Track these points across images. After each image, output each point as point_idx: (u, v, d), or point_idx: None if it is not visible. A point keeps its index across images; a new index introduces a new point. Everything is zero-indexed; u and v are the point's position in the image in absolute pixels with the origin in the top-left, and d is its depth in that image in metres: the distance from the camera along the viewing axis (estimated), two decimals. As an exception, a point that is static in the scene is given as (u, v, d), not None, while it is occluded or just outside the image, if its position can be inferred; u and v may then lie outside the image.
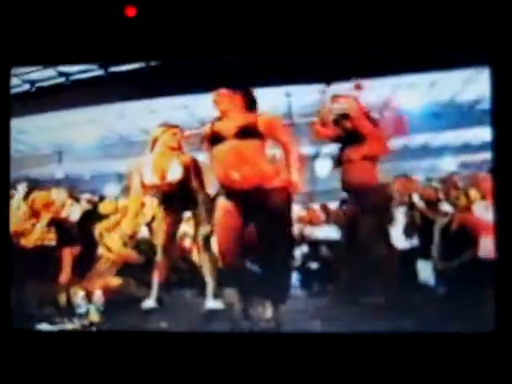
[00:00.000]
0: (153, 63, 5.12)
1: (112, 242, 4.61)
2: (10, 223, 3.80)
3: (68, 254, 4.38)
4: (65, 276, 4.33)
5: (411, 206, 4.46)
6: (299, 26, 3.66)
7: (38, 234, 4.35)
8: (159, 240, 4.25)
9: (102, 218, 4.79)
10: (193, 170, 4.08)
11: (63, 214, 4.72)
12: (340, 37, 3.65)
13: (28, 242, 4.30)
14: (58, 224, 4.47)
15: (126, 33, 3.66)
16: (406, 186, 4.53)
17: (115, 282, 4.46)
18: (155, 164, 4.16)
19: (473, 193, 4.21)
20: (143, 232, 4.96)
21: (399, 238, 4.43)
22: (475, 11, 3.46)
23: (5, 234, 3.82)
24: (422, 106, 5.04)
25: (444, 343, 3.41)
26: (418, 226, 4.38)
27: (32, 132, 6.47)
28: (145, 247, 4.67)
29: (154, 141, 4.21)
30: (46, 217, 4.44)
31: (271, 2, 3.64)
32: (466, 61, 4.03)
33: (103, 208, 4.80)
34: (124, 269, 4.56)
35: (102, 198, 5.07)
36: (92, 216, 4.91)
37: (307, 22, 3.64)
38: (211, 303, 4.04)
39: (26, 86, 5.81)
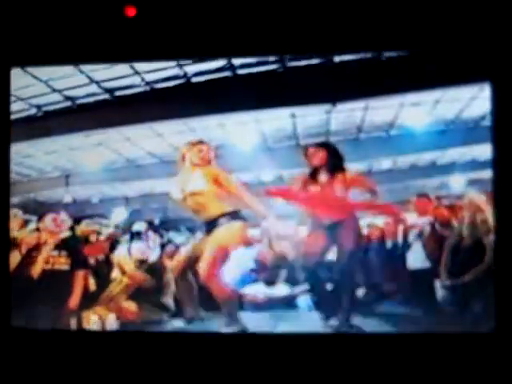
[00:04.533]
0: (159, 86, 5.18)
1: (126, 265, 4.61)
2: (9, 223, 3.75)
3: (80, 278, 4.36)
4: (76, 300, 4.30)
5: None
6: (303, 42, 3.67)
7: (46, 259, 4.33)
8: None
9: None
10: (218, 183, 4.04)
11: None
12: (344, 55, 3.66)
13: (37, 267, 4.28)
14: (68, 248, 4.45)
15: (126, 33, 3.66)
16: (426, 205, 4.53)
17: (128, 305, 4.45)
18: (180, 181, 4.15)
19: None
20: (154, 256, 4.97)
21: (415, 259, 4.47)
22: (477, 28, 3.47)
23: (4, 233, 3.79)
24: (428, 124, 5.08)
25: (444, 343, 3.38)
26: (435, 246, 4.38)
27: (38, 156, 6.50)
28: (156, 271, 4.68)
29: (182, 158, 4.20)
30: (51, 241, 4.43)
31: (271, 4, 3.64)
32: (467, 78, 4.05)
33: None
34: (137, 292, 4.55)
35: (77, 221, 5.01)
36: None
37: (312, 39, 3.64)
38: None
39: (33, 111, 5.84)
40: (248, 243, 4.10)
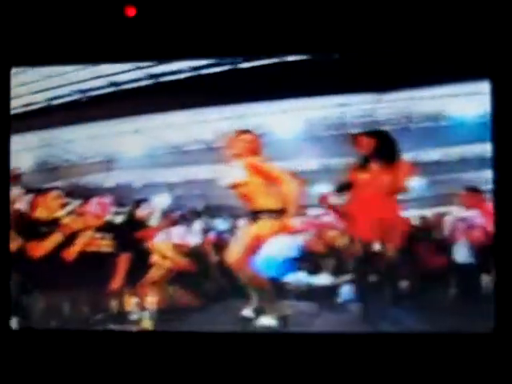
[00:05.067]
0: (204, 72, 5.16)
1: (166, 250, 4.62)
2: (9, 222, 3.77)
3: (124, 261, 4.39)
4: (118, 282, 4.33)
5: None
6: (347, 30, 3.63)
7: (89, 241, 4.35)
8: None
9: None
10: (260, 173, 4.02)
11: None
12: (390, 43, 3.61)
13: (76, 249, 4.30)
14: (113, 230, 4.47)
15: (126, 33, 3.65)
16: (474, 199, 4.46)
17: (169, 290, 4.46)
18: (224, 171, 4.16)
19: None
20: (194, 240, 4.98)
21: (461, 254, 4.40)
22: (476, 26, 3.44)
23: (4, 233, 3.80)
24: (480, 115, 4.96)
25: (444, 343, 3.41)
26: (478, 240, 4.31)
27: (80, 141, 6.54)
28: (197, 256, 4.68)
29: (227, 147, 4.19)
30: (95, 224, 4.46)
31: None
32: (466, 75, 3.97)
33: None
34: (178, 277, 4.55)
35: (138, 204, 5.03)
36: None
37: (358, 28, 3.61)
38: (264, 320, 3.99)
39: (77, 96, 5.86)
40: (288, 232, 4.05)
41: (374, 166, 4.14)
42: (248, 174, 3.98)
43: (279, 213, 3.91)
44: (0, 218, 3.76)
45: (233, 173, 4.05)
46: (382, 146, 4.14)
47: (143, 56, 4.02)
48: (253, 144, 4.11)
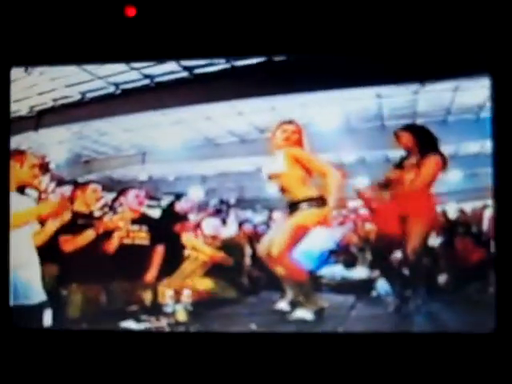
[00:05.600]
0: (239, 64, 5.15)
1: (199, 243, 4.63)
2: (9, 221, 3.77)
3: (159, 253, 4.40)
4: (153, 274, 4.34)
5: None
6: (387, 24, 3.59)
7: (125, 233, 4.37)
8: None
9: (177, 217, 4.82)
10: (300, 163, 3.99)
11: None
12: (429, 34, 3.56)
13: (113, 243, 4.31)
14: (148, 223, 4.49)
15: (126, 33, 3.65)
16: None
17: (203, 282, 4.46)
18: (268, 162, 4.15)
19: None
20: (229, 232, 4.98)
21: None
22: (476, 20, 3.37)
23: (4, 232, 3.81)
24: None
25: (444, 343, 3.36)
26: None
27: (115, 133, 6.59)
28: (231, 248, 4.68)
29: (271, 138, 4.18)
30: (131, 216, 4.47)
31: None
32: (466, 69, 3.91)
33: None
34: (213, 270, 4.55)
35: (178, 197, 5.06)
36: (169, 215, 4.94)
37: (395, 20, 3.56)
38: (300, 313, 3.97)
39: (112, 88, 5.89)
40: (329, 224, 4.02)
41: (412, 161, 4.12)
42: (289, 165, 3.96)
43: (318, 201, 3.87)
44: (0, 218, 3.76)
45: (273, 164, 4.03)
46: (421, 141, 4.11)
47: (143, 56, 4.02)
48: (295, 135, 4.08)
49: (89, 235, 4.14)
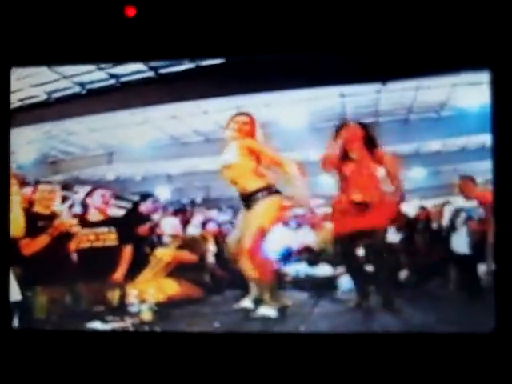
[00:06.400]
0: (204, 64, 5.16)
1: (167, 243, 4.65)
2: (9, 222, 3.75)
3: (127, 253, 4.39)
4: (120, 274, 4.33)
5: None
6: (351, 23, 3.60)
7: (90, 235, 4.35)
8: None
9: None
10: (253, 154, 3.96)
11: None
12: (392, 34, 3.58)
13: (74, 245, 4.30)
14: (115, 223, 4.48)
15: (126, 33, 3.64)
16: (470, 188, 4.44)
17: (167, 282, 4.46)
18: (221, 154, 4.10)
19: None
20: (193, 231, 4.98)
21: (460, 244, 4.39)
22: (477, 17, 3.40)
23: (4, 233, 3.78)
24: (481, 105, 4.94)
25: (444, 343, 3.33)
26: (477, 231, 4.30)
27: (82, 133, 6.55)
28: (195, 247, 4.68)
29: (225, 130, 4.13)
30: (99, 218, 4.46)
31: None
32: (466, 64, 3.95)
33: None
34: (177, 270, 4.55)
35: (143, 198, 5.05)
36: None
37: (360, 19, 3.58)
38: (264, 310, 3.97)
39: (77, 88, 5.87)
40: (288, 222, 4.04)
41: (359, 154, 4.15)
42: (241, 156, 3.93)
43: (269, 190, 3.86)
44: (0, 218, 3.73)
45: (226, 155, 4.00)
46: (367, 135, 4.15)
47: (143, 56, 4.00)
48: (246, 126, 4.05)
49: (43, 240, 4.09)
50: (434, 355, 3.32)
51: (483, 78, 4.65)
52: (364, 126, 4.24)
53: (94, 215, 4.47)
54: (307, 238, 4.96)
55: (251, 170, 3.87)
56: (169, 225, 4.84)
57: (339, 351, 3.46)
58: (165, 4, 3.58)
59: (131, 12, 3.57)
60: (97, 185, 5.25)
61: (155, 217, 4.96)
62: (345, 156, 4.17)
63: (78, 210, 4.69)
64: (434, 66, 4.20)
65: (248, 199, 3.85)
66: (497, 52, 3.36)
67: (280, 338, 3.63)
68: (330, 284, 4.54)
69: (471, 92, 4.97)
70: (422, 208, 4.88)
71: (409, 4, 3.46)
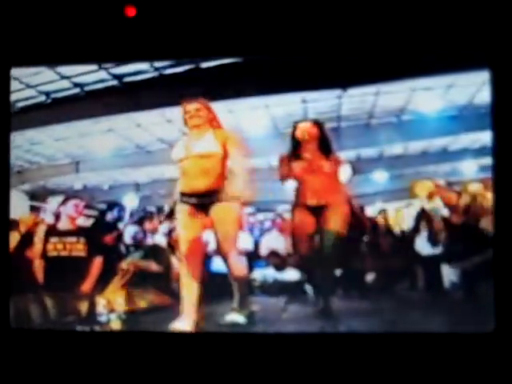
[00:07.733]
0: (167, 72, 5.17)
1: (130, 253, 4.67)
2: (9, 222, 3.73)
3: (97, 264, 4.38)
4: (89, 285, 4.32)
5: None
6: (312, 29, 3.62)
7: (59, 244, 4.35)
8: None
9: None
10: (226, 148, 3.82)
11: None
12: (352, 41, 3.61)
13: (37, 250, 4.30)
14: (86, 234, 4.47)
15: (126, 33, 3.64)
16: (429, 190, 4.51)
17: (136, 291, 4.46)
18: (187, 141, 3.90)
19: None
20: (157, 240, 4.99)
21: (423, 245, 4.45)
22: (475, 14, 3.44)
23: (4, 233, 3.77)
24: (440, 109, 5.04)
25: (444, 343, 3.37)
26: (441, 231, 4.38)
27: (48, 143, 6.50)
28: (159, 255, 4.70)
29: (185, 122, 4.00)
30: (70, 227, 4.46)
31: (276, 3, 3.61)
32: (466, 63, 4.01)
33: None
34: (144, 278, 4.56)
35: (110, 206, 5.06)
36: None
37: (320, 26, 3.60)
38: (232, 316, 3.98)
39: (42, 98, 5.83)
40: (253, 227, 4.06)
41: (311, 154, 4.17)
42: (220, 146, 3.78)
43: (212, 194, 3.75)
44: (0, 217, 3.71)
45: (203, 143, 3.82)
46: (323, 136, 4.17)
47: (143, 56, 3.97)
48: (202, 112, 3.97)
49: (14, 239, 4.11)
50: (434, 355, 3.35)
51: (440, 82, 4.78)
52: (319, 124, 4.25)
53: (64, 224, 4.46)
54: (274, 242, 4.99)
55: (222, 164, 3.80)
56: (130, 233, 4.85)
57: (337, 351, 3.48)
58: (165, 4, 3.58)
59: (131, 12, 3.57)
60: (68, 195, 5.23)
61: (121, 226, 4.96)
62: (297, 155, 4.19)
63: (49, 219, 4.67)
64: (432, 66, 4.23)
65: (206, 197, 3.80)
66: (497, 52, 3.39)
67: (250, 339, 3.67)
68: (297, 289, 4.58)
69: (428, 96, 5.08)
70: (384, 211, 4.94)
71: (409, 4, 3.49)
